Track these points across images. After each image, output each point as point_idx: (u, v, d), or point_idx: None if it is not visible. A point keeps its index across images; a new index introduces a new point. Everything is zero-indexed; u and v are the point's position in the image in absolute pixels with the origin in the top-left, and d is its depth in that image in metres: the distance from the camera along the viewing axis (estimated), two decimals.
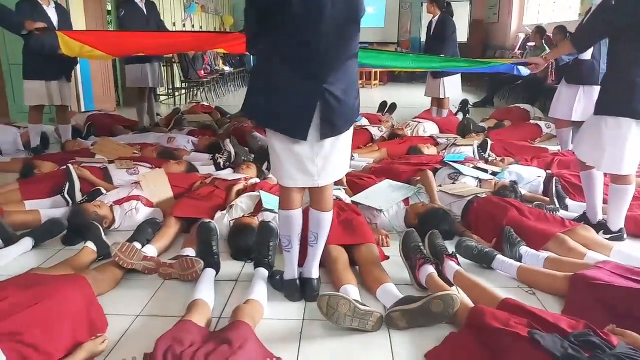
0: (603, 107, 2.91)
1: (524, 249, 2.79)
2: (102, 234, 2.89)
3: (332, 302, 2.09)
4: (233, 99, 10.20)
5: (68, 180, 3.55)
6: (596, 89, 4.50)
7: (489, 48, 13.16)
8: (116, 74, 8.31)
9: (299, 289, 2.44)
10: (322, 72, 2.08)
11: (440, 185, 3.65)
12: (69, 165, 3.65)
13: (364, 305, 2.17)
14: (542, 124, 6.23)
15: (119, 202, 3.33)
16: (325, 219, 2.37)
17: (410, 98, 10.09)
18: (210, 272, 2.52)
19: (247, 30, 2.26)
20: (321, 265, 2.51)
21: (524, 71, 4.47)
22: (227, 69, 11.17)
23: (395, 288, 2.37)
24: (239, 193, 3.46)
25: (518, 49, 10.74)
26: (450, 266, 2.51)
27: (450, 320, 2.19)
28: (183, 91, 9.82)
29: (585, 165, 3.13)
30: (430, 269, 2.46)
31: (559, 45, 4.57)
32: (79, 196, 3.52)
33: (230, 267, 2.79)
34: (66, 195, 3.52)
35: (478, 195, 3.36)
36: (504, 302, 2.16)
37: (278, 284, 2.51)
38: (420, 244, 2.59)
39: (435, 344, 2.07)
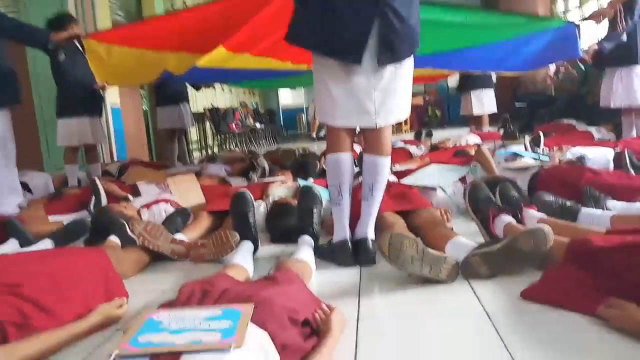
0: None
1: (611, 203, 2.36)
2: (128, 230, 2.59)
3: (396, 242, 1.70)
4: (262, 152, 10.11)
5: (94, 194, 3.32)
6: (636, 68, 4.25)
7: None
8: (148, 124, 8.32)
9: (351, 252, 2.06)
10: None
11: (499, 164, 3.26)
12: (96, 178, 3.44)
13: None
14: (592, 129, 5.81)
15: (147, 206, 3.05)
16: (383, 166, 2.03)
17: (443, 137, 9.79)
18: (247, 244, 2.16)
19: None
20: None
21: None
22: (258, 125, 11.19)
23: (468, 240, 1.95)
24: None
25: None
26: (532, 214, 2.10)
27: (541, 263, 1.76)
28: (216, 148, 9.80)
29: None
30: (508, 218, 2.05)
31: None
32: None
33: (270, 249, 2.43)
34: (92, 210, 3.27)
35: (544, 166, 2.96)
36: (611, 232, 1.74)
37: (326, 251, 2.13)
38: (492, 196, 2.19)
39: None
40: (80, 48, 3.98)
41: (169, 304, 1.32)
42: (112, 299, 1.72)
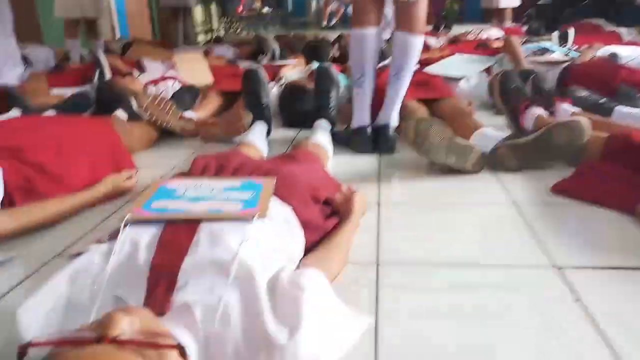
0: None
1: None
2: (134, 105, 2.46)
3: (423, 128, 1.58)
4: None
5: (98, 68, 3.15)
6: None
7: None
8: (151, 1, 7.89)
9: (370, 138, 1.95)
10: None
11: (527, 57, 3.05)
12: (99, 51, 3.25)
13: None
14: (622, 29, 5.47)
15: (153, 82, 2.90)
16: (415, 44, 1.85)
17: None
18: (261, 124, 2.05)
19: None
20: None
21: None
22: (266, 9, 10.64)
23: (496, 131, 1.83)
24: None
25: None
26: (565, 108, 1.97)
27: (574, 158, 1.66)
28: (221, 31, 9.38)
29: None
30: (539, 110, 1.92)
31: None
32: None
33: (283, 132, 2.32)
34: (96, 83, 3.12)
35: (576, 61, 2.77)
36: None
37: (343, 137, 2.02)
38: (522, 86, 2.04)
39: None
40: None
41: (184, 175, 1.24)
42: (120, 171, 1.64)
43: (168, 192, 0.96)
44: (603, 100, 2.17)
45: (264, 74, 2.16)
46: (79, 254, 0.80)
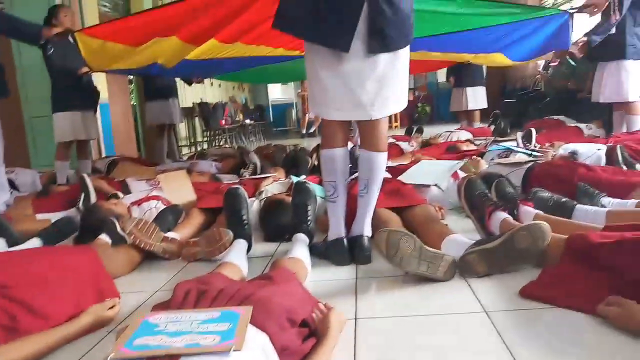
0: None
1: (606, 200, 2.35)
2: (118, 228, 2.54)
3: (393, 239, 1.68)
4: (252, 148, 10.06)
5: (83, 191, 3.26)
6: (626, 63, 4.22)
7: None
8: (136, 119, 8.22)
9: (347, 250, 2.04)
10: None
11: (492, 160, 3.25)
12: (84, 175, 3.37)
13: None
14: (581, 126, 5.83)
15: (137, 202, 3.00)
16: (379, 162, 1.99)
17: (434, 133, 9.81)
18: (241, 242, 2.13)
19: None
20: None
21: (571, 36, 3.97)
22: (247, 121, 11.12)
23: (464, 237, 1.94)
24: None
25: None
26: (528, 211, 2.09)
27: (539, 260, 1.75)
28: (205, 144, 9.72)
29: None
30: (504, 215, 2.04)
31: None
32: None
33: (263, 247, 2.40)
34: (81, 207, 3.21)
35: (538, 162, 2.96)
36: (608, 228, 1.73)
37: (321, 249, 2.11)
38: (487, 192, 2.18)
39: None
40: (72, 41, 3.86)
41: (164, 305, 1.29)
42: (103, 300, 1.68)
43: (150, 327, 1.01)
44: (564, 200, 2.31)
45: (244, 193, 2.28)
46: None
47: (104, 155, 7.14)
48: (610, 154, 3.34)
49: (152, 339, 0.95)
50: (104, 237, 2.42)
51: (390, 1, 1.77)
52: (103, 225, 2.51)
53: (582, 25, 5.22)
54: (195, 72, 5.43)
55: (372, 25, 1.78)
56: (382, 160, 2.01)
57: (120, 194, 3.21)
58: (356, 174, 2.26)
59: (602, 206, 2.31)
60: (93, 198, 3.25)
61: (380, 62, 1.84)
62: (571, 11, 3.93)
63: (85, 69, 4.06)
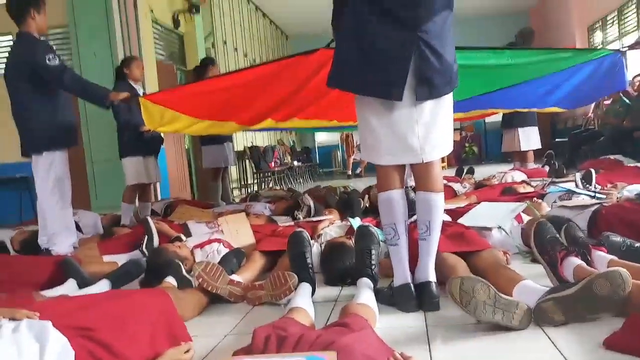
0: None
1: None
2: (184, 270, 2.61)
3: (467, 287, 1.65)
4: (302, 190, 10.17)
5: (146, 234, 3.37)
6: None
7: None
8: (190, 162, 8.48)
9: (414, 296, 2.01)
10: (415, 16, 1.86)
11: (554, 202, 3.17)
12: (148, 218, 3.49)
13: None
14: None
15: (199, 245, 3.07)
16: (437, 202, 2.01)
17: (484, 173, 9.67)
18: (306, 286, 2.14)
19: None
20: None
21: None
22: (296, 163, 11.29)
23: (536, 284, 1.88)
24: None
25: None
26: (601, 256, 2.02)
27: (620, 309, 1.68)
28: (255, 186, 9.90)
29: None
30: (577, 260, 1.98)
31: None
32: None
33: (325, 291, 2.40)
34: (144, 250, 3.30)
35: (604, 204, 2.87)
36: None
37: (387, 295, 2.09)
38: (558, 236, 2.12)
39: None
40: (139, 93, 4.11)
41: (245, 350, 1.31)
42: (176, 343, 1.71)
43: None
44: (638, 245, 2.22)
45: (308, 236, 2.30)
46: None
47: (159, 198, 7.40)
48: None
49: None
50: (170, 280, 2.48)
51: (436, 52, 1.89)
52: (168, 267, 2.58)
53: (635, 63, 5.10)
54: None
55: (420, 75, 1.90)
56: (440, 201, 2.04)
57: (183, 237, 3.29)
58: (413, 217, 2.27)
59: None
60: (156, 241, 3.35)
61: (426, 108, 1.95)
62: (623, 49, 3.87)
63: (146, 128, 4.25)
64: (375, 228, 2.48)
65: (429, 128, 1.95)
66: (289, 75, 3.43)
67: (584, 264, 1.95)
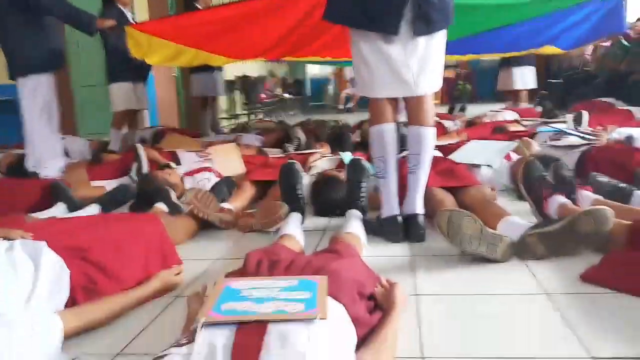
0: None
1: None
2: (174, 197, 2.62)
3: (455, 219, 1.69)
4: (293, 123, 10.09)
5: (136, 160, 3.35)
6: None
7: None
8: (179, 90, 8.32)
9: (401, 227, 2.06)
10: None
11: (544, 142, 3.19)
12: (137, 145, 3.47)
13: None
14: (633, 109, 5.62)
15: (189, 173, 3.08)
16: (428, 136, 2.04)
17: (476, 112, 9.64)
18: (296, 215, 2.17)
19: None
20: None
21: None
22: (287, 95, 11.14)
23: (521, 220, 1.93)
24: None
25: None
26: (586, 195, 2.06)
27: (599, 246, 1.73)
28: (244, 117, 9.79)
29: None
30: (562, 199, 2.01)
31: None
32: None
33: (314, 221, 2.44)
34: (134, 176, 3.30)
35: (594, 145, 2.89)
36: None
37: (375, 226, 2.13)
38: (546, 174, 2.15)
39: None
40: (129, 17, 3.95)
41: (237, 273, 1.34)
42: (168, 266, 1.75)
43: (233, 292, 1.05)
44: (622, 185, 2.26)
45: (299, 168, 2.31)
46: (162, 357, 0.89)
47: (147, 125, 7.30)
48: None
49: (239, 304, 1.00)
50: (161, 206, 2.50)
51: None
52: (159, 194, 2.59)
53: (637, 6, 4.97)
54: None
55: (417, 10, 1.89)
56: (431, 135, 2.06)
57: (173, 164, 3.29)
58: (404, 152, 2.28)
59: None
60: (146, 167, 3.34)
61: (421, 43, 1.96)
62: None
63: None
64: (366, 162, 2.49)
65: (423, 63, 1.96)
66: (282, 13, 3.37)
67: (568, 202, 1.99)
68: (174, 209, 2.50)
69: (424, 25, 1.92)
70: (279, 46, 3.79)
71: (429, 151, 2.08)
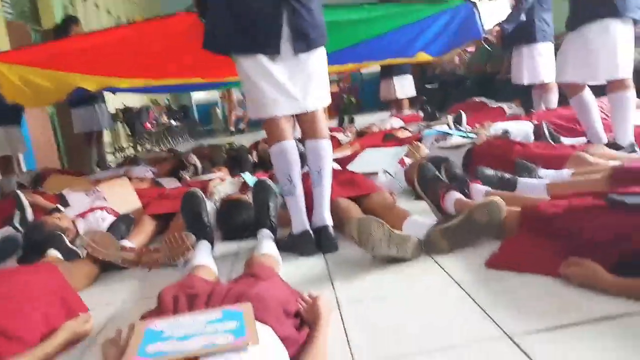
0: (583, 17, 2.78)
1: (543, 172, 2.53)
2: (67, 241, 2.43)
3: (364, 226, 1.74)
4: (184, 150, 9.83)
5: (18, 208, 3.07)
6: (538, 46, 4.51)
7: None
8: (55, 128, 7.76)
9: (313, 241, 2.08)
10: None
11: (432, 144, 3.39)
12: (17, 191, 3.18)
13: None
14: (503, 105, 6.17)
15: (81, 215, 2.88)
16: (325, 148, 2.11)
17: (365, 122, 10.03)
18: (205, 243, 2.11)
19: None
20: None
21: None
22: (173, 122, 10.82)
23: (422, 218, 2.03)
24: None
25: None
26: (478, 189, 2.22)
27: (498, 234, 1.87)
28: (131, 149, 9.36)
29: (575, 90, 2.97)
30: (456, 194, 2.15)
31: None
32: None
33: (224, 246, 2.39)
34: (17, 225, 3.02)
35: (476, 142, 3.12)
36: (555, 197, 1.88)
37: (288, 243, 2.13)
38: (438, 174, 2.29)
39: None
40: None
41: (153, 313, 1.27)
42: (73, 315, 1.62)
43: (156, 334, 1.00)
44: (507, 176, 2.46)
45: (202, 195, 2.25)
46: None
47: (24, 169, 6.74)
48: (537, 131, 3.58)
49: (164, 345, 0.95)
50: (54, 253, 2.31)
51: (306, 6, 1.98)
52: (51, 241, 2.40)
53: (494, 12, 5.47)
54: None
55: (294, 28, 1.98)
56: (328, 147, 2.13)
57: (62, 208, 3.05)
58: (305, 168, 2.32)
59: (540, 178, 2.49)
60: (30, 214, 3.08)
61: (303, 60, 2.04)
62: (474, 0, 4.16)
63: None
64: (271, 181, 2.49)
65: (307, 79, 2.04)
66: (156, 36, 3.35)
67: (463, 197, 2.13)
68: (70, 255, 2.32)
69: (303, 43, 2.00)
70: (157, 65, 3.67)
71: (328, 162, 2.14)
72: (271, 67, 1.99)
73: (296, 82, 2.02)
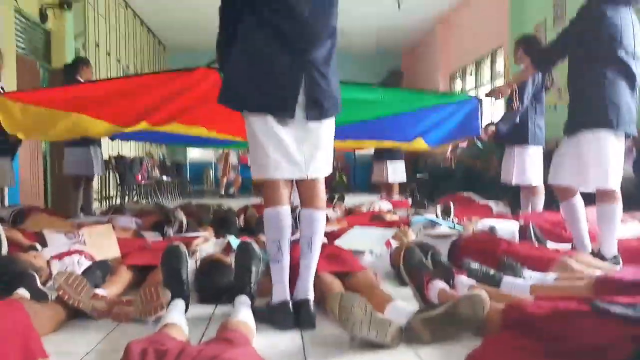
0: (579, 123, 2.88)
1: (527, 273, 2.53)
2: (38, 282, 2.35)
3: (346, 302, 1.70)
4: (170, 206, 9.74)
5: None
6: (529, 148, 4.65)
7: None
8: (46, 167, 7.71)
9: (292, 314, 2.02)
10: (305, 43, 1.99)
11: (420, 230, 3.40)
12: None
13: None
14: (490, 203, 6.26)
15: (58, 257, 2.81)
16: (320, 220, 2.10)
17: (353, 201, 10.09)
18: (179, 302, 2.04)
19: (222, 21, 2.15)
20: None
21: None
22: (164, 177, 10.82)
23: (406, 304, 2.00)
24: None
25: None
26: (463, 282, 2.20)
27: (480, 328, 1.84)
28: (117, 199, 9.27)
29: (566, 194, 3.03)
30: (441, 284, 2.13)
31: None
32: None
33: (199, 309, 2.31)
34: None
35: (462, 235, 3.14)
36: (539, 298, 1.87)
37: (264, 312, 2.07)
38: (425, 261, 2.28)
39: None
40: None
41: None
42: (32, 359, 1.53)
43: None
44: (492, 272, 2.46)
45: (185, 251, 2.21)
46: None
47: (6, 204, 6.62)
48: (523, 232, 3.62)
49: None
50: (22, 292, 2.22)
51: (323, 74, 2.03)
52: (21, 279, 2.32)
53: (489, 112, 5.66)
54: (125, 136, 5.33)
55: (310, 95, 2.02)
56: (323, 219, 2.14)
57: (39, 246, 2.98)
58: (293, 236, 2.30)
59: (524, 279, 2.48)
60: (5, 249, 2.99)
61: (313, 128, 2.07)
62: (480, 97, 4.32)
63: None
64: (256, 246, 2.46)
65: (314, 147, 2.06)
66: (169, 87, 3.40)
67: (447, 287, 2.11)
68: (39, 296, 2.23)
69: (317, 111, 2.04)
70: (163, 109, 3.62)
71: (320, 234, 2.12)
72: (280, 131, 2.02)
73: (302, 148, 2.04)
